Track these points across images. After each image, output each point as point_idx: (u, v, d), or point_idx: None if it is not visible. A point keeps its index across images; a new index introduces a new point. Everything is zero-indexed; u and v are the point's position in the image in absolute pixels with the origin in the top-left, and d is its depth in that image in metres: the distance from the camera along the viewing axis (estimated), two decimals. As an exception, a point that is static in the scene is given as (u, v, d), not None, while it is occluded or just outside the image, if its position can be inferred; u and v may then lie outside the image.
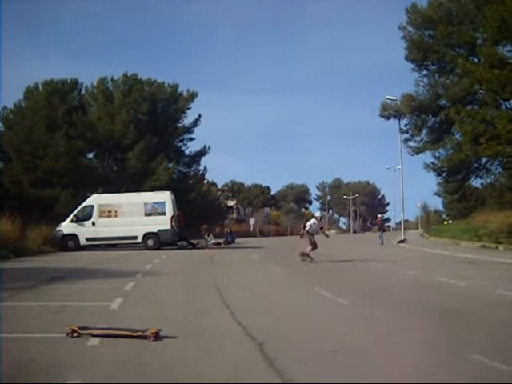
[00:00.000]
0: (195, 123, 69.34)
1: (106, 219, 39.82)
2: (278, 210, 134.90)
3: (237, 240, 55.76)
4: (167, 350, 8.48)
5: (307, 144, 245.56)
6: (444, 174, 55.17)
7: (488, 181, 53.42)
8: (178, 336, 9.39)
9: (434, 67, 52.86)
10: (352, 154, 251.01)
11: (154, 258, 29.23)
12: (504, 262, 26.43)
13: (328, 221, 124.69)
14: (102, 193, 48.22)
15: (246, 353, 8.40)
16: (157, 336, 9.07)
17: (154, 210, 40.19)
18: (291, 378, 6.91)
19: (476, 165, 51.27)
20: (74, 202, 44.80)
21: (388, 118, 59.87)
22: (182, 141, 70.14)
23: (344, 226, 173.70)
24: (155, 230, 39.52)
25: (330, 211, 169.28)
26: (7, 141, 55.81)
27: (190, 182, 69.63)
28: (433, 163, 53.63)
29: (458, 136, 51.41)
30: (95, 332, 9.38)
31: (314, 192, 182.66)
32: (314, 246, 26.60)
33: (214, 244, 47.79)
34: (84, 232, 39.55)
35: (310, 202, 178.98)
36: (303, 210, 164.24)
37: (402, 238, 51.91)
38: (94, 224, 39.78)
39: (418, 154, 56.37)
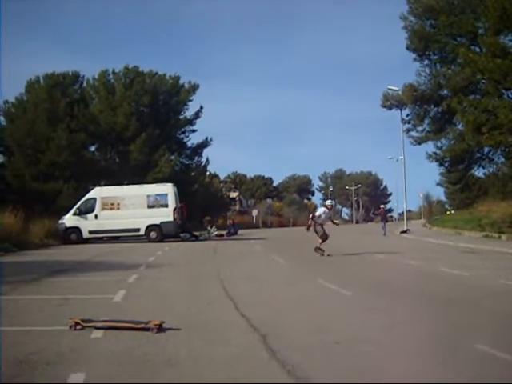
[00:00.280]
0: (197, 115, 69.43)
1: (109, 212, 39.85)
2: (280, 202, 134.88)
3: (239, 231, 55.91)
4: (170, 342, 8.47)
5: (309, 135, 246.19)
6: (446, 164, 55.13)
7: (490, 170, 53.39)
8: (181, 328, 9.39)
9: (435, 57, 52.73)
10: (354, 145, 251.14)
11: (156, 250, 29.25)
12: (507, 251, 26.38)
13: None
14: (105, 185, 48.37)
15: (249, 344, 8.39)
16: (160, 328, 9.07)
17: (157, 202, 40.18)
18: (294, 368, 6.90)
19: (478, 154, 51.22)
20: (76, 195, 44.89)
21: (390, 108, 59.75)
22: (183, 133, 70.19)
23: (347, 217, 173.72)
24: (158, 222, 39.53)
25: (333, 202, 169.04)
26: (9, 134, 55.75)
27: (193, 173, 69.60)
28: (435, 153, 53.66)
29: (460, 126, 51.38)
30: (98, 324, 9.38)
31: (317, 183, 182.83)
32: (325, 236, 24.79)
33: (216, 236, 47.90)
34: (87, 225, 39.58)
35: (313, 193, 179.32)
36: (306, 201, 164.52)
37: (405, 229, 51.89)
38: (96, 217, 39.80)
39: (420, 144, 56.37)
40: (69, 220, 39.96)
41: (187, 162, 70.58)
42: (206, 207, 65.05)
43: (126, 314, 10.47)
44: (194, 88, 67.90)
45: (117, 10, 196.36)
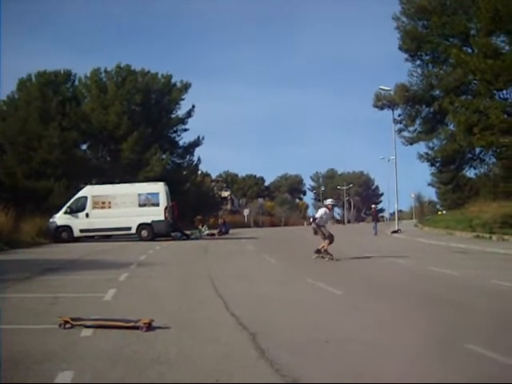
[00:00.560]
0: (189, 114, 69.44)
1: (100, 210, 39.76)
2: (272, 201, 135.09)
3: (231, 231, 55.95)
4: (160, 341, 8.48)
5: (302, 135, 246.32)
6: (438, 165, 55.22)
7: (482, 171, 53.50)
8: (171, 326, 9.41)
9: (427, 57, 52.74)
10: (346, 145, 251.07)
11: (147, 249, 29.25)
12: (497, 251, 26.53)
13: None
14: (96, 184, 48.25)
15: (238, 343, 8.41)
16: (149, 327, 9.08)
17: (148, 201, 40.14)
18: (283, 367, 6.91)
19: (470, 155, 51.29)
20: (67, 194, 44.78)
21: (382, 108, 59.78)
22: (175, 132, 70.22)
23: (338, 217, 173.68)
24: (149, 221, 39.50)
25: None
26: (1, 132, 55.78)
27: (184, 172, 69.60)
28: (427, 153, 53.71)
29: (451, 126, 51.40)
30: (88, 323, 9.39)
31: (308, 183, 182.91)
32: (331, 238, 23.09)
33: (208, 235, 47.87)
34: (78, 223, 39.49)
35: (304, 193, 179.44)
36: (297, 200, 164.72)
37: (396, 229, 52.02)
38: (87, 215, 39.72)
39: (411, 144, 56.40)
40: (60, 218, 39.86)
41: (179, 161, 70.61)
42: (197, 206, 65.08)
43: (116, 313, 10.47)
44: (186, 87, 67.95)
45: (109, 9, 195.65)
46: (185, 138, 71.33)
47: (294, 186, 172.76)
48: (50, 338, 8.76)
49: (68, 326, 9.27)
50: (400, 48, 53.08)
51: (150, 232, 39.69)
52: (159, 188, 40.79)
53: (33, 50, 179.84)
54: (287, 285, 15.60)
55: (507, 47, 39.57)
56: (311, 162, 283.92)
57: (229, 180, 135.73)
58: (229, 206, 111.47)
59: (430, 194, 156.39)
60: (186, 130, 70.25)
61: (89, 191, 41.02)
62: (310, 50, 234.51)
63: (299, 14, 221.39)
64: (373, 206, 62.38)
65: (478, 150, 48.75)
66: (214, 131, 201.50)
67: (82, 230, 39.48)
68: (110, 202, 39.97)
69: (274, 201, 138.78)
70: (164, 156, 64.24)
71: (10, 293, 13.86)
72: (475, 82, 44.62)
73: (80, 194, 40.98)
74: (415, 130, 56.68)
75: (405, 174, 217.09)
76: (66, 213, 39.95)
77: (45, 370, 6.97)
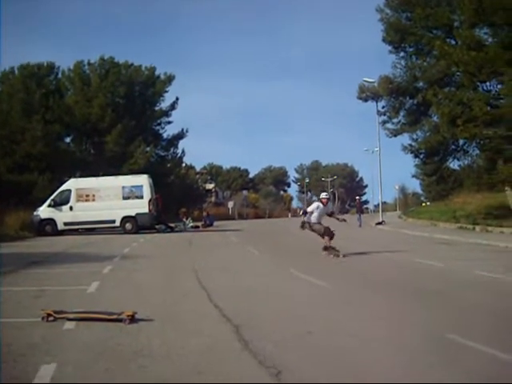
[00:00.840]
0: (173, 106, 69.54)
1: (84, 203, 39.67)
2: (256, 193, 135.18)
3: (215, 223, 55.91)
4: (143, 333, 8.48)
5: (285, 126, 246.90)
6: (422, 156, 55.20)
7: (465, 162, 53.55)
8: (154, 319, 9.40)
9: (411, 49, 52.72)
10: (330, 137, 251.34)
11: (131, 242, 29.22)
12: (481, 242, 26.64)
13: (306, 203, 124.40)
14: (80, 177, 48.09)
15: (222, 335, 8.41)
16: (132, 319, 9.07)
17: (132, 194, 40.09)
18: (266, 359, 6.92)
19: (453, 147, 51.33)
20: (51, 187, 44.65)
21: (366, 100, 59.89)
22: (159, 124, 70.32)
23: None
24: (133, 214, 39.45)
25: (309, 193, 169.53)
26: (-17, 125, 55.43)
27: (168, 165, 69.68)
28: (410, 145, 53.63)
29: (435, 118, 51.37)
30: (71, 316, 9.38)
31: (293, 174, 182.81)
32: (329, 234, 20.94)
33: (192, 227, 47.86)
34: (62, 216, 39.39)
35: (289, 185, 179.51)
36: (282, 192, 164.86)
37: (380, 220, 52.13)
38: (71, 208, 39.62)
39: (395, 136, 56.38)
40: (44, 212, 39.73)
41: (163, 154, 70.70)
42: (181, 199, 65.09)
43: (100, 305, 10.48)
44: (169, 79, 67.98)
45: (96, 1, 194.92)
46: (169, 131, 71.74)
47: (278, 178, 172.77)
48: (33, 330, 8.75)
49: (51, 318, 9.25)
50: (384, 40, 53.06)
51: (134, 225, 39.64)
52: (143, 180, 40.70)
53: (15, 42, 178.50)
54: (270, 276, 15.61)
55: (490, 39, 39.58)
56: (296, 154, 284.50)
57: (213, 172, 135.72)
58: (213, 199, 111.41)
59: (415, 185, 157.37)
60: (169, 122, 70.55)
61: (73, 184, 40.89)
62: (295, 42, 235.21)
63: (286, 7, 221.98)
64: (357, 197, 62.50)
65: (461, 141, 48.84)
66: (199, 123, 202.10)
67: (66, 223, 39.38)
68: (93, 195, 39.89)
69: (259, 193, 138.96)
70: (148, 148, 64.18)
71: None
72: (459, 73, 44.67)
73: (64, 186, 40.85)
74: (399, 121, 56.67)
75: (389, 166, 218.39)
76: (49, 206, 39.85)
77: (28, 362, 6.97)
